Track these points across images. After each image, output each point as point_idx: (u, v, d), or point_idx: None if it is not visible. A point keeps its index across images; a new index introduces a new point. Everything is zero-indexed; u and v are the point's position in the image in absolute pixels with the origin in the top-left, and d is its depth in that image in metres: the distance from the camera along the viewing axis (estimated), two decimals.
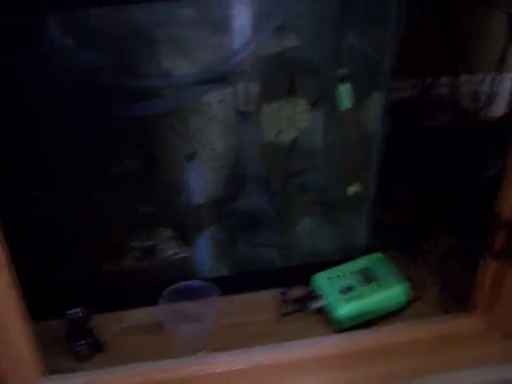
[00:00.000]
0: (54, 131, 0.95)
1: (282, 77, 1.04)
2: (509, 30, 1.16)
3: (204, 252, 1.12)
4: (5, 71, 0.86)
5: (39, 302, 0.89)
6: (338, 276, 1.08)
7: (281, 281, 1.12)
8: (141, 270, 1.09)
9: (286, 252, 1.16)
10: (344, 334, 1.02)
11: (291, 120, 1.06)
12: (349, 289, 1.05)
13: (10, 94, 0.88)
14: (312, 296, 1.07)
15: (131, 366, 0.94)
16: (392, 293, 1.05)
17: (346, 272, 1.09)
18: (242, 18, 0.94)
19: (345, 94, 1.01)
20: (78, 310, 0.97)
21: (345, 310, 1.02)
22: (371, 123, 1.05)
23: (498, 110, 1.34)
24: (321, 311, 1.06)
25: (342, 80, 1.00)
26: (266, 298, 1.11)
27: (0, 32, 0.82)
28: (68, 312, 0.97)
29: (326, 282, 1.07)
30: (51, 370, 0.92)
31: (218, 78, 0.98)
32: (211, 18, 0.95)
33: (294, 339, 0.99)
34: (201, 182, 1.06)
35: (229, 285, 1.08)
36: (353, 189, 1.09)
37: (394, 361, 0.97)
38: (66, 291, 1.02)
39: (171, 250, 1.10)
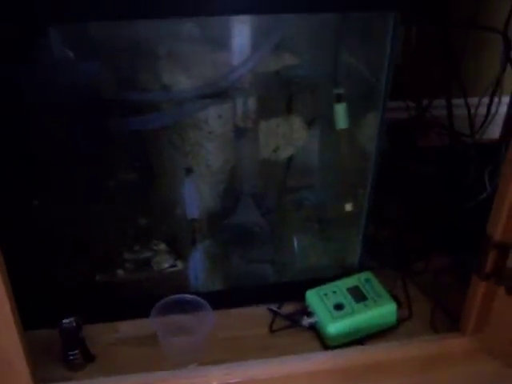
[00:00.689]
0: (53, 143, 0.96)
1: (280, 94, 1.05)
2: (504, 52, 1.18)
3: (198, 266, 1.13)
4: (4, 83, 0.87)
5: (32, 311, 0.89)
6: (330, 293, 1.08)
7: (275, 296, 1.13)
8: (135, 282, 1.10)
9: (280, 268, 1.16)
10: (335, 351, 1.02)
11: (288, 137, 1.07)
12: (340, 306, 1.06)
13: (9, 106, 0.89)
14: (305, 312, 1.08)
15: (124, 376, 0.94)
16: (383, 311, 1.06)
17: (337, 289, 1.09)
18: (241, 36, 0.95)
19: (341, 113, 1.02)
20: (72, 319, 0.98)
21: (335, 327, 1.03)
22: (367, 142, 1.06)
23: (493, 132, 1.35)
24: (313, 327, 1.07)
25: (339, 99, 1.01)
26: (260, 312, 1.12)
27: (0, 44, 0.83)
28: (63, 321, 0.98)
29: (318, 299, 1.07)
30: (43, 379, 0.92)
31: (217, 94, 0.99)
32: (211, 34, 0.96)
33: (286, 354, 0.99)
34: (197, 196, 1.07)
35: (223, 299, 1.09)
36: (347, 206, 1.10)
37: (385, 378, 0.98)
38: (59, 301, 1.03)
39: (166, 263, 1.11)
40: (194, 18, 0.91)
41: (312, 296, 1.09)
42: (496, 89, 1.23)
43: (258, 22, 0.95)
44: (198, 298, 1.03)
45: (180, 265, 1.12)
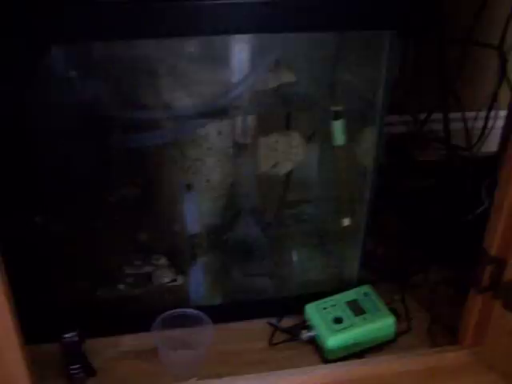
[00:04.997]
0: (54, 160, 0.97)
1: (278, 111, 1.06)
2: (500, 67, 1.19)
3: (199, 280, 1.13)
4: (5, 101, 0.88)
5: (34, 326, 0.90)
6: (329, 307, 1.09)
7: (274, 310, 1.13)
8: (136, 297, 1.10)
9: (280, 282, 1.17)
10: (334, 365, 1.03)
11: (287, 153, 1.08)
12: (339, 320, 1.06)
13: (10, 124, 0.90)
14: (304, 326, 1.08)
15: None
16: (381, 325, 1.06)
17: (336, 303, 1.10)
18: (240, 54, 0.96)
19: (339, 130, 1.03)
20: (75, 333, 0.98)
21: (334, 340, 1.03)
22: (365, 157, 1.06)
23: (491, 146, 1.37)
24: (312, 341, 1.08)
25: (337, 116, 1.02)
26: (259, 326, 1.12)
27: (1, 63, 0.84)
28: (65, 335, 0.98)
29: (317, 313, 1.08)
30: None
31: (217, 111, 1.00)
32: (211, 53, 0.98)
33: (285, 368, 0.99)
34: (197, 211, 1.08)
35: (223, 313, 1.10)
36: (345, 221, 1.11)
37: None
38: (60, 315, 1.03)
39: (166, 278, 1.11)
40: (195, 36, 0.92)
41: (311, 310, 1.09)
42: (493, 103, 1.24)
43: (257, 40, 0.96)
44: (198, 312, 1.04)
45: (180, 279, 1.12)
